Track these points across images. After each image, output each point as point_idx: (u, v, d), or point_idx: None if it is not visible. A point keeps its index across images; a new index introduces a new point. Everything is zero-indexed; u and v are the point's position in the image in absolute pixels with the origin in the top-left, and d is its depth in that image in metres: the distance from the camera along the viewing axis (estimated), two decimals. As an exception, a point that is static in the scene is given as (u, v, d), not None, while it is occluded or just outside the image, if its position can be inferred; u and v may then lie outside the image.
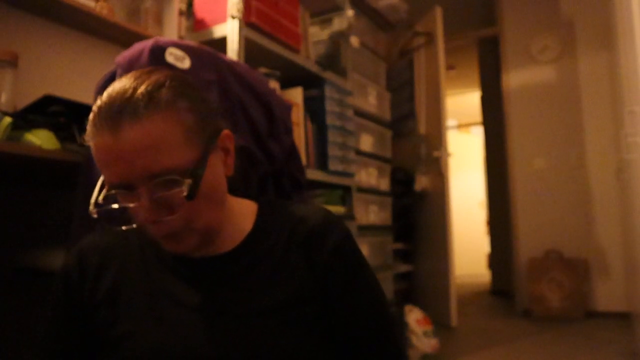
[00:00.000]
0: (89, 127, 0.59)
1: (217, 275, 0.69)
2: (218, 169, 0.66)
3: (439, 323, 2.90)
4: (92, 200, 0.62)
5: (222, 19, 1.67)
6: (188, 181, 0.58)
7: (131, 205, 0.59)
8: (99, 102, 0.60)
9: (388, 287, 2.85)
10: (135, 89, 0.58)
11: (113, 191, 0.60)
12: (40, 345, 0.71)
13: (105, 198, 0.61)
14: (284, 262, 0.69)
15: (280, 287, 0.68)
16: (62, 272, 0.72)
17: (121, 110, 0.56)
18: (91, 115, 0.59)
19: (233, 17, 1.62)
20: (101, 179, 0.63)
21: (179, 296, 0.67)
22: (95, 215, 0.61)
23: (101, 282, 0.71)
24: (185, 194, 0.58)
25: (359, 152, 2.63)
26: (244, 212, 0.74)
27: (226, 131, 0.69)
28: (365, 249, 2.66)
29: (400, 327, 2.43)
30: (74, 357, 0.70)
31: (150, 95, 0.58)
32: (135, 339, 0.65)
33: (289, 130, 1.25)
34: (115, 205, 0.61)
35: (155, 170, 0.57)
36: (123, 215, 0.62)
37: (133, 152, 0.56)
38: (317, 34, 2.32)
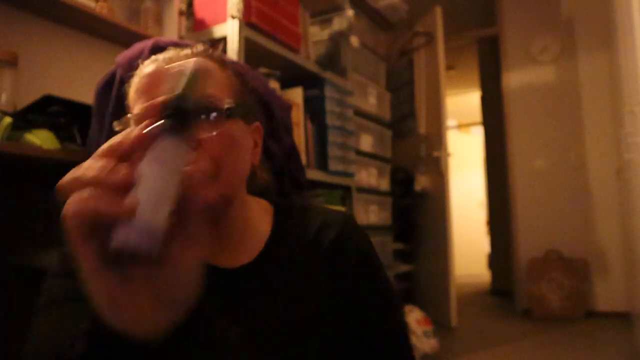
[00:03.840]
0: (135, 75, 0.62)
1: (238, 288, 0.65)
2: (248, 145, 0.65)
3: (439, 323, 2.90)
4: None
5: (222, 19, 1.67)
6: (229, 101, 0.58)
7: None
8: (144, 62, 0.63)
9: (388, 287, 2.85)
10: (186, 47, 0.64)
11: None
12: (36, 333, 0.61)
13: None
14: (306, 273, 0.67)
15: (303, 300, 0.65)
16: (52, 272, 0.64)
17: (175, 54, 0.62)
18: (137, 69, 0.63)
19: (233, 17, 1.62)
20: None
21: (199, 309, 0.64)
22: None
23: None
24: (227, 107, 0.57)
25: (359, 152, 2.63)
26: (261, 214, 0.72)
27: (258, 124, 0.69)
28: (365, 249, 2.66)
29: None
30: None
31: (204, 49, 0.64)
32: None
33: (288, 130, 1.25)
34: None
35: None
36: None
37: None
38: (317, 34, 2.32)
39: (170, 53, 0.63)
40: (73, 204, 0.35)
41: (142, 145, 0.37)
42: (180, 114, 0.38)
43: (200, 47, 0.65)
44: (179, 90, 0.39)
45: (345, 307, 0.67)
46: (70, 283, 0.60)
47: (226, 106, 0.57)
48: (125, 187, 0.35)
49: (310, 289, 0.66)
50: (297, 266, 0.67)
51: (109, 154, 0.37)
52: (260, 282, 0.66)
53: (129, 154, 0.37)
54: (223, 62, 0.65)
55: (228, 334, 0.62)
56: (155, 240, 0.34)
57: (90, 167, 0.36)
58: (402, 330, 0.72)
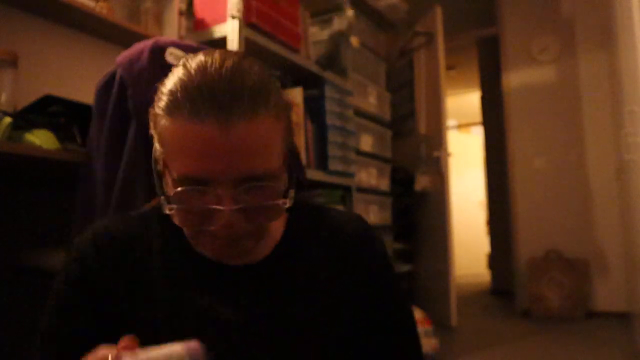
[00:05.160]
0: (171, 104, 0.52)
1: (247, 287, 0.63)
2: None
3: (439, 323, 2.90)
4: (163, 193, 0.57)
5: (222, 19, 1.67)
6: (291, 193, 0.57)
7: (216, 206, 0.53)
8: (189, 78, 0.53)
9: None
10: (242, 78, 0.53)
11: (181, 187, 0.53)
12: (47, 338, 0.60)
13: (176, 194, 0.54)
14: (319, 273, 0.65)
15: (313, 299, 0.64)
16: (75, 255, 0.62)
17: (233, 102, 0.51)
18: (180, 93, 0.52)
19: (233, 17, 1.62)
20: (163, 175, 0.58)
21: (206, 308, 0.61)
22: (169, 212, 0.55)
23: (120, 273, 0.62)
24: (287, 206, 0.56)
25: (359, 152, 2.62)
26: None
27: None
28: (365, 249, 2.66)
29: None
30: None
31: (262, 89, 0.54)
32: None
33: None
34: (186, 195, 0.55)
35: (255, 173, 0.53)
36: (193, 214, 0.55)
37: (240, 152, 0.51)
38: (317, 34, 2.32)
39: (220, 87, 0.51)
40: None
41: None
42: None
43: (252, 81, 0.54)
44: None
45: (357, 311, 0.66)
46: (78, 308, 0.61)
47: (287, 205, 0.57)
48: None
49: (322, 289, 0.65)
50: (309, 266, 0.66)
51: None
52: (271, 279, 0.64)
53: None
54: (280, 99, 0.57)
55: (238, 330, 0.61)
56: None
57: None
58: (413, 339, 0.71)
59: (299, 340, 0.61)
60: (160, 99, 0.55)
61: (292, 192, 0.58)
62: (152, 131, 0.57)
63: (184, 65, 0.55)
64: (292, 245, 0.67)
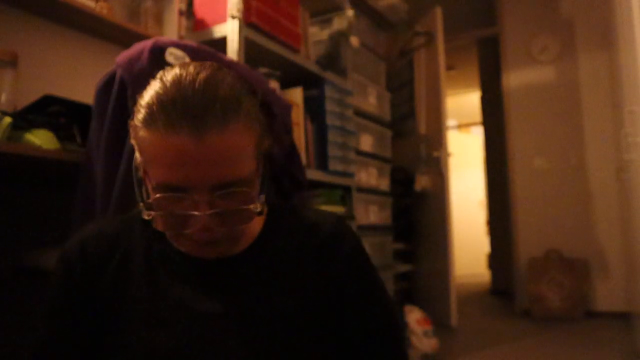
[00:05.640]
0: (148, 116, 0.55)
1: (225, 279, 0.66)
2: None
3: (439, 323, 2.90)
4: (143, 200, 0.61)
5: (222, 19, 1.67)
6: (262, 197, 0.60)
7: (192, 212, 0.56)
8: (164, 92, 0.56)
9: (388, 287, 2.85)
10: (215, 90, 0.56)
11: (159, 194, 0.57)
12: (38, 342, 0.65)
13: (155, 200, 0.57)
14: (294, 268, 0.68)
15: (290, 294, 0.66)
16: (62, 261, 0.67)
17: (206, 113, 0.54)
18: (156, 106, 0.55)
19: (233, 17, 1.62)
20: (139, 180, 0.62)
21: (185, 300, 0.64)
22: (148, 217, 0.58)
23: (105, 274, 0.66)
24: (258, 210, 0.59)
25: (359, 152, 2.62)
26: None
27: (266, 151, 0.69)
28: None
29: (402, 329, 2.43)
30: (75, 356, 0.65)
31: (234, 100, 0.56)
32: (136, 347, 0.62)
33: (288, 130, 1.25)
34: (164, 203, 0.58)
35: (228, 180, 0.56)
36: (172, 219, 0.58)
37: (213, 160, 0.54)
38: (317, 34, 2.32)
39: (194, 98, 0.54)
40: None
41: None
42: None
43: (224, 91, 0.56)
44: None
45: (334, 306, 0.68)
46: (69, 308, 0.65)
47: (258, 209, 0.60)
48: None
49: (297, 284, 0.67)
50: (284, 261, 0.68)
51: None
52: (245, 272, 0.67)
53: None
54: (253, 108, 0.59)
55: (212, 321, 0.63)
56: None
57: None
58: (393, 330, 0.73)
59: (272, 332, 0.63)
60: (138, 111, 0.58)
61: (263, 197, 0.61)
62: (133, 141, 0.60)
63: (161, 79, 0.58)
64: (268, 242, 0.70)
